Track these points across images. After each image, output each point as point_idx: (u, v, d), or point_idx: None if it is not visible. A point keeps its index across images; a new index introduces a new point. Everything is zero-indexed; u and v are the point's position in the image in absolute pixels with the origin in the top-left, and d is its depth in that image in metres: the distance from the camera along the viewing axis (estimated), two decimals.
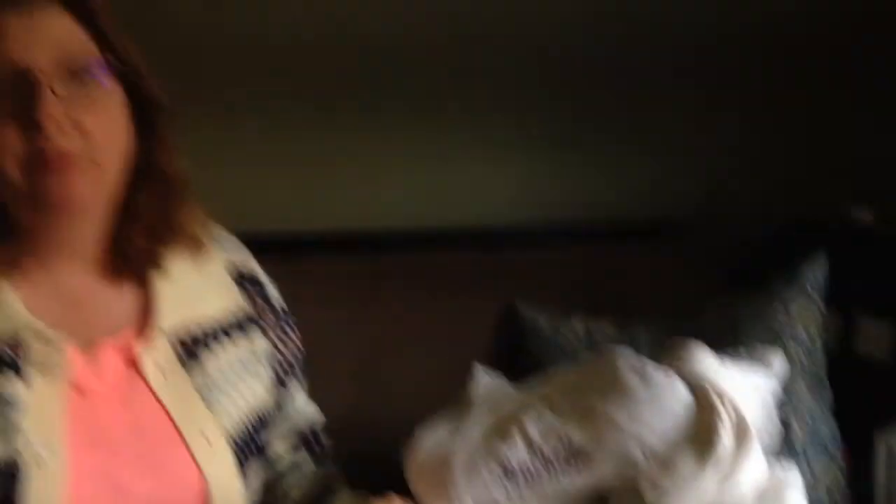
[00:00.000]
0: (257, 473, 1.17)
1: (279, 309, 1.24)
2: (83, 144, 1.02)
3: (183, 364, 1.10)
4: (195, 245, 1.15)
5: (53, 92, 1.00)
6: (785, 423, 1.51)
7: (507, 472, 1.22)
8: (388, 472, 1.25)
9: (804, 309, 1.71)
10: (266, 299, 1.22)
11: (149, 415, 1.07)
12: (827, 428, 1.68)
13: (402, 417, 1.31)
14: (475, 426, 1.27)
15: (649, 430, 1.17)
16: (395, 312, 1.75)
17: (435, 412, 1.32)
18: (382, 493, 1.13)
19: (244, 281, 1.20)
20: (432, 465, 1.26)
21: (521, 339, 1.77)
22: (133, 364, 1.08)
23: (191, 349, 1.12)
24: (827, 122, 2.12)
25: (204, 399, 1.10)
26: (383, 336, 1.73)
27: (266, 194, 1.82)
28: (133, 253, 1.11)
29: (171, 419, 1.07)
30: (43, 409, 1.01)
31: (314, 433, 1.28)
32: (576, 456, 1.20)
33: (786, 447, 1.54)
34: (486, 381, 1.38)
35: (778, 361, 1.35)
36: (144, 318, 1.11)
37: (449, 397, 1.36)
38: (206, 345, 1.13)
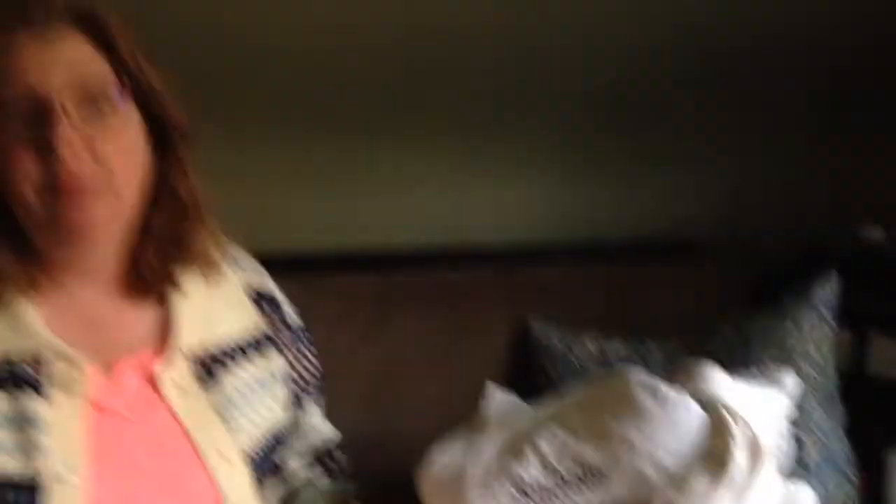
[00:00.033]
0: (274, 491, 1.18)
1: (296, 328, 1.25)
2: (99, 170, 1.02)
3: (201, 383, 1.11)
4: (212, 265, 1.16)
5: (69, 118, 1.01)
6: (798, 442, 1.51)
7: (521, 490, 1.22)
8: (401, 489, 1.26)
9: (816, 328, 1.71)
10: (283, 319, 1.23)
11: (168, 433, 1.08)
12: (840, 446, 1.68)
13: (416, 435, 1.31)
14: (489, 444, 1.27)
15: (663, 450, 1.17)
16: (409, 330, 1.75)
17: (448, 430, 1.32)
18: None
19: (262, 300, 1.21)
20: (446, 482, 1.26)
21: (534, 358, 1.78)
22: (152, 383, 1.09)
23: (209, 368, 1.12)
24: (839, 142, 2.13)
25: (222, 418, 1.11)
26: (397, 354, 1.74)
27: (282, 213, 1.83)
28: (150, 273, 1.12)
29: (190, 438, 1.08)
30: (63, 428, 1.02)
31: (329, 450, 1.29)
32: (590, 475, 1.20)
33: (799, 466, 1.54)
34: (499, 400, 1.38)
35: (791, 380, 1.35)
36: (163, 337, 1.12)
37: (462, 415, 1.36)
38: (224, 364, 1.14)
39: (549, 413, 1.29)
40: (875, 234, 1.99)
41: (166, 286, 1.13)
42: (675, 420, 1.19)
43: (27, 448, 1.00)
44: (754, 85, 2.07)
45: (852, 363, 1.86)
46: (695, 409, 1.21)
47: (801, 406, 1.50)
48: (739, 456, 1.16)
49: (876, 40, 2.05)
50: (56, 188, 1.01)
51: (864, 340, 1.87)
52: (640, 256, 2.00)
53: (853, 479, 1.68)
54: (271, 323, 1.21)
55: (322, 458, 1.28)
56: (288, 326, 1.23)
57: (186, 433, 1.08)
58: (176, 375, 1.10)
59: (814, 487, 1.32)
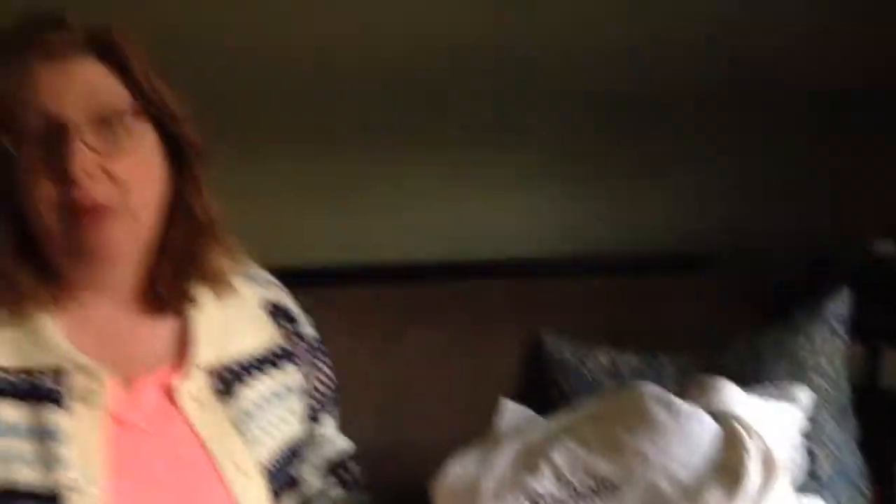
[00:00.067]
0: (289, 503, 1.19)
1: (313, 343, 1.26)
2: (116, 193, 1.04)
3: (219, 396, 1.12)
4: (227, 281, 1.17)
5: (85, 143, 1.01)
6: (811, 455, 1.51)
7: (535, 502, 1.22)
8: (415, 501, 1.26)
9: (828, 341, 1.71)
10: (299, 332, 1.24)
11: (186, 447, 1.08)
12: (852, 459, 1.68)
13: (430, 447, 1.31)
14: (502, 457, 1.28)
15: (677, 463, 1.17)
16: (423, 344, 1.76)
17: (462, 442, 1.33)
18: None
19: (277, 314, 1.22)
20: (460, 494, 1.26)
21: (547, 371, 1.78)
22: (170, 397, 1.10)
23: (227, 382, 1.13)
24: (849, 156, 2.13)
25: (239, 430, 1.12)
26: (411, 367, 1.74)
27: (296, 229, 1.84)
28: (167, 290, 1.13)
29: (207, 450, 1.09)
30: (84, 440, 1.03)
31: (344, 461, 1.30)
32: (603, 487, 1.20)
33: (812, 479, 1.54)
34: (513, 412, 1.38)
35: (804, 394, 1.35)
36: (181, 352, 1.13)
37: (476, 428, 1.36)
38: (241, 377, 1.15)
39: (563, 426, 1.29)
40: (887, 248, 1.99)
41: (183, 302, 1.14)
42: (688, 433, 1.19)
43: (47, 459, 1.01)
44: (763, 100, 2.08)
45: (865, 377, 1.86)
46: (708, 422, 1.21)
47: (813, 419, 1.50)
48: (753, 469, 1.16)
49: (876, 40, 2.06)
50: (73, 210, 1.02)
51: (876, 354, 1.88)
52: (651, 271, 2.01)
53: (866, 492, 1.68)
54: (287, 336, 1.22)
55: (337, 469, 1.29)
56: (304, 339, 1.24)
57: (203, 446, 1.09)
58: (193, 389, 1.11)
59: (826, 500, 1.32)
